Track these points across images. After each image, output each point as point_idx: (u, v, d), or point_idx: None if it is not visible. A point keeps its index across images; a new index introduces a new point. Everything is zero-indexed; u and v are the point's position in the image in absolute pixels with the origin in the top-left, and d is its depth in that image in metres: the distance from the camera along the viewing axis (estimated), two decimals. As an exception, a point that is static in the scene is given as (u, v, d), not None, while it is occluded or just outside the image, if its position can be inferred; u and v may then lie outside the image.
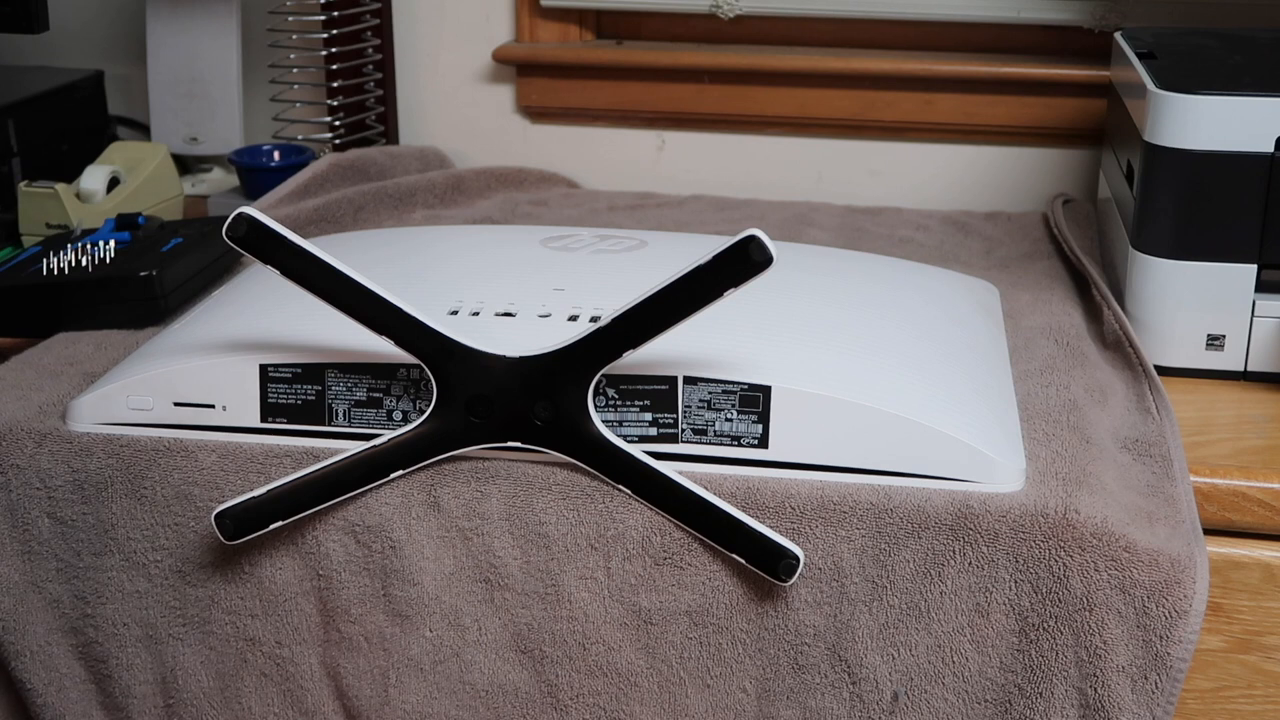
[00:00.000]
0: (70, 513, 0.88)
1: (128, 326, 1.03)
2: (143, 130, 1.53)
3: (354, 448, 0.83)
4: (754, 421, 0.82)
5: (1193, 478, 0.85)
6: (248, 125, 1.46)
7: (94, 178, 1.24)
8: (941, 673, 0.81)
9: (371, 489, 0.84)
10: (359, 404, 0.86)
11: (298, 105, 1.44)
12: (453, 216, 1.31)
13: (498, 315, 0.88)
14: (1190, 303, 0.97)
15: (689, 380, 0.82)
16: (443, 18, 1.46)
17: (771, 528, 0.81)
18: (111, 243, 1.07)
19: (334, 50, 1.39)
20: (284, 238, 0.81)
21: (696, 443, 0.83)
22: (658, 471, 0.81)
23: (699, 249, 0.77)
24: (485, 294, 0.91)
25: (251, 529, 0.83)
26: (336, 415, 0.86)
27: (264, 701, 0.88)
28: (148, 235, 1.10)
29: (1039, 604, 0.79)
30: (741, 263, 0.76)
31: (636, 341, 0.79)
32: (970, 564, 0.80)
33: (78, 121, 1.43)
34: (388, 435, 0.83)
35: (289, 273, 0.82)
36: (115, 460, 0.87)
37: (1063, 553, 0.78)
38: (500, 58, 1.44)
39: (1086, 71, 1.31)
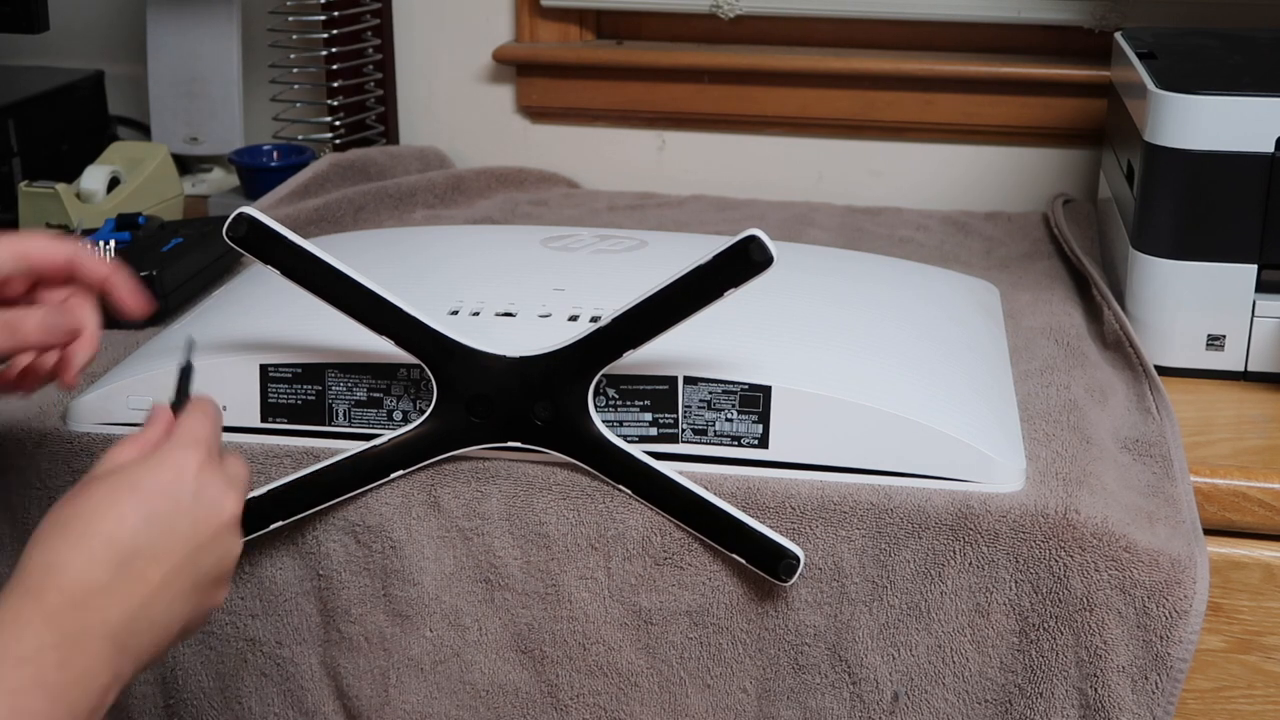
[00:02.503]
0: (70, 513, 0.88)
1: (128, 326, 1.02)
2: (143, 130, 1.53)
3: (354, 448, 0.83)
4: (754, 421, 0.82)
5: (1193, 478, 0.85)
6: (248, 125, 1.46)
7: (94, 178, 1.24)
8: (941, 673, 0.81)
9: (371, 489, 0.84)
10: (359, 404, 0.86)
11: (298, 105, 1.44)
12: (453, 216, 1.31)
13: (498, 315, 0.88)
14: (1190, 303, 0.97)
15: (689, 380, 0.82)
16: (443, 18, 1.46)
17: (772, 528, 0.81)
18: (111, 243, 1.07)
19: (334, 50, 1.39)
20: (284, 238, 0.81)
21: (697, 443, 0.83)
22: (658, 472, 0.81)
23: (699, 249, 0.77)
24: (485, 294, 0.91)
25: (251, 529, 0.83)
26: (337, 415, 0.86)
27: (264, 701, 0.88)
28: (148, 235, 1.10)
29: (1039, 604, 0.79)
30: (742, 263, 0.76)
31: (637, 342, 0.79)
32: (970, 564, 0.80)
33: (78, 121, 1.43)
34: (388, 435, 0.83)
35: (289, 273, 0.82)
36: (115, 460, 0.87)
37: (1063, 553, 0.78)
38: (500, 58, 1.44)
39: (1086, 71, 1.31)
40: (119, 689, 0.65)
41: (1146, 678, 0.78)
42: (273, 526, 0.83)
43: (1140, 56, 1.04)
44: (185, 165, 1.47)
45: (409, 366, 0.84)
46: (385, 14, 1.44)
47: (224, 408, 0.87)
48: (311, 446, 0.86)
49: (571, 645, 0.84)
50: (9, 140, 1.32)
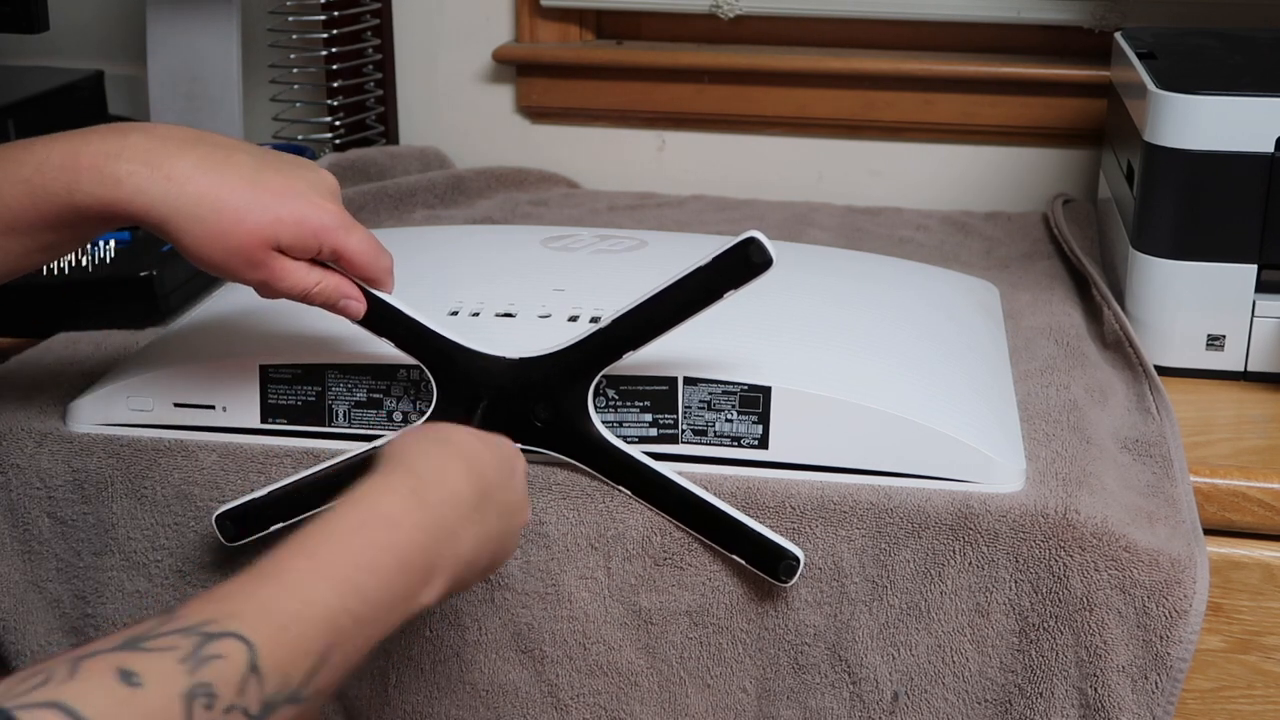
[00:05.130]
0: (70, 512, 0.88)
1: (128, 326, 1.02)
2: (143, 130, 1.52)
3: (354, 449, 0.83)
4: (754, 422, 0.82)
5: (1193, 478, 0.85)
6: (248, 125, 1.46)
7: (94, 178, 1.24)
8: (941, 673, 0.81)
9: (372, 489, 0.84)
10: (359, 405, 0.86)
11: (298, 105, 1.44)
12: (453, 216, 1.31)
13: (498, 316, 0.88)
14: (1190, 303, 0.97)
15: (689, 381, 0.82)
16: (443, 18, 1.46)
17: (771, 528, 0.81)
18: (111, 243, 1.07)
19: (334, 50, 1.39)
20: (284, 238, 0.81)
21: (696, 443, 0.83)
22: (658, 473, 0.81)
23: (699, 249, 0.77)
24: (485, 294, 0.91)
25: (252, 530, 0.83)
26: (337, 416, 0.86)
27: (264, 702, 0.88)
28: (148, 235, 1.10)
29: (1039, 604, 0.79)
30: (741, 265, 0.76)
31: (636, 343, 0.79)
32: (970, 564, 0.80)
33: (78, 121, 1.42)
34: (388, 436, 0.83)
35: (289, 273, 0.81)
36: (115, 460, 0.87)
37: (1063, 553, 0.78)
38: (500, 58, 1.44)
39: (1086, 71, 1.31)
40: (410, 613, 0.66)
41: (1146, 678, 0.78)
42: (273, 528, 0.83)
43: (1140, 56, 1.04)
44: (185, 165, 1.46)
45: (409, 368, 0.84)
46: (385, 14, 1.43)
47: (224, 409, 0.87)
48: (311, 447, 0.86)
49: (571, 645, 0.84)
50: (9, 140, 1.32)
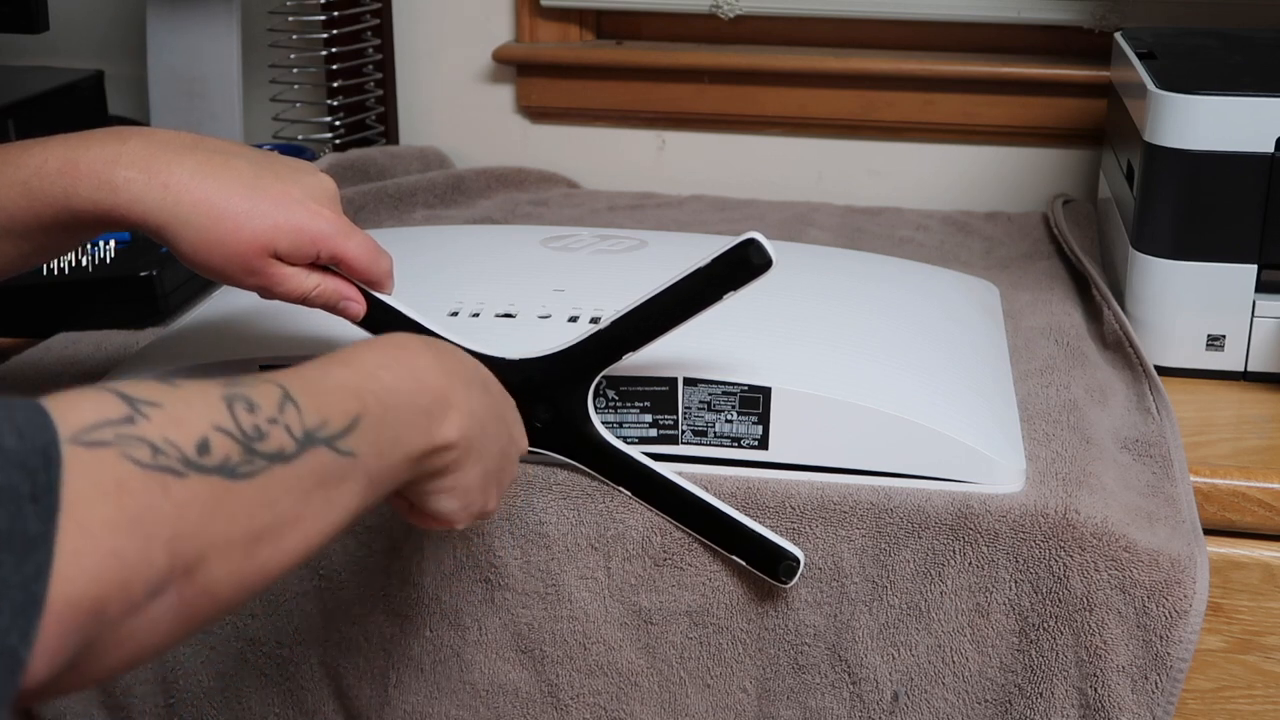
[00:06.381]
0: (70, 513, 0.88)
1: (128, 326, 1.02)
2: (143, 130, 1.52)
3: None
4: (754, 423, 0.82)
5: (1193, 478, 0.85)
6: (248, 125, 1.46)
7: (94, 178, 1.24)
8: (941, 673, 0.81)
9: (372, 489, 0.84)
10: (359, 404, 0.85)
11: (298, 105, 1.44)
12: (453, 216, 1.31)
13: (498, 316, 0.88)
14: (1190, 303, 0.97)
15: (689, 382, 0.82)
16: (443, 18, 1.46)
17: (771, 528, 0.81)
18: (111, 243, 1.07)
19: (334, 50, 1.39)
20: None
21: (696, 444, 0.83)
22: (658, 474, 0.81)
23: (699, 249, 0.77)
24: (485, 295, 0.91)
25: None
26: (337, 416, 0.86)
27: (264, 701, 0.88)
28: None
29: (1039, 604, 0.79)
30: (741, 266, 0.76)
31: (636, 344, 0.79)
32: (970, 564, 0.80)
33: (78, 121, 1.43)
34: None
35: (289, 273, 0.81)
36: (115, 461, 0.87)
37: (1063, 553, 0.78)
38: (500, 58, 1.44)
39: (1086, 71, 1.31)
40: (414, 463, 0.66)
41: (1146, 678, 0.78)
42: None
43: (1140, 56, 1.04)
44: (185, 165, 1.46)
45: (409, 367, 0.84)
46: (385, 14, 1.43)
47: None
48: (311, 447, 0.86)
49: (571, 645, 0.84)
50: (9, 140, 1.32)
